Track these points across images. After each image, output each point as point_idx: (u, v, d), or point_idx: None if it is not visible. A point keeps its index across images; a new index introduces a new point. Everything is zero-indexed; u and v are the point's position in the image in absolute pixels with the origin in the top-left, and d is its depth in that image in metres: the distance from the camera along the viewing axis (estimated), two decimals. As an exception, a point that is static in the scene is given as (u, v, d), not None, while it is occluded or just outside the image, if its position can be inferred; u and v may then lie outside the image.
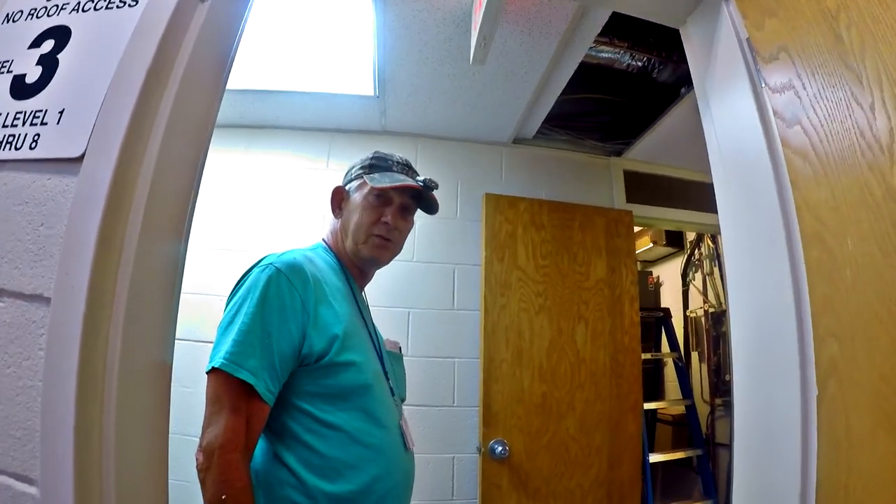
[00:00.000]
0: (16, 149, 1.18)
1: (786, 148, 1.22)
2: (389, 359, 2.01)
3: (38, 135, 1.17)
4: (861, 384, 0.99)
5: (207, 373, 1.56)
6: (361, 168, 2.05)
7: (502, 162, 4.43)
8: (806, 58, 1.16)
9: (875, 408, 0.95)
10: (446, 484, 3.82)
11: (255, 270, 1.69)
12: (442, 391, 3.93)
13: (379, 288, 3.80)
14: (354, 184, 2.03)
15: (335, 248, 2.03)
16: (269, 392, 1.55)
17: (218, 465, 1.43)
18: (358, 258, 1.98)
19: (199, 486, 1.46)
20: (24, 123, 1.20)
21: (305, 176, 4.22)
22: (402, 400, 2.04)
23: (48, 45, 1.27)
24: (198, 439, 1.49)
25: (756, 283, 1.33)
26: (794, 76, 1.20)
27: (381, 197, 1.96)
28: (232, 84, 1.53)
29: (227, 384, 1.51)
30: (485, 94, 3.72)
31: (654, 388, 6.61)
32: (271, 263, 1.68)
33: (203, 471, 1.45)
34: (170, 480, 1.26)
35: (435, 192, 2.05)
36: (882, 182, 0.94)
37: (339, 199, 2.08)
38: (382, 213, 1.95)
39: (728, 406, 5.62)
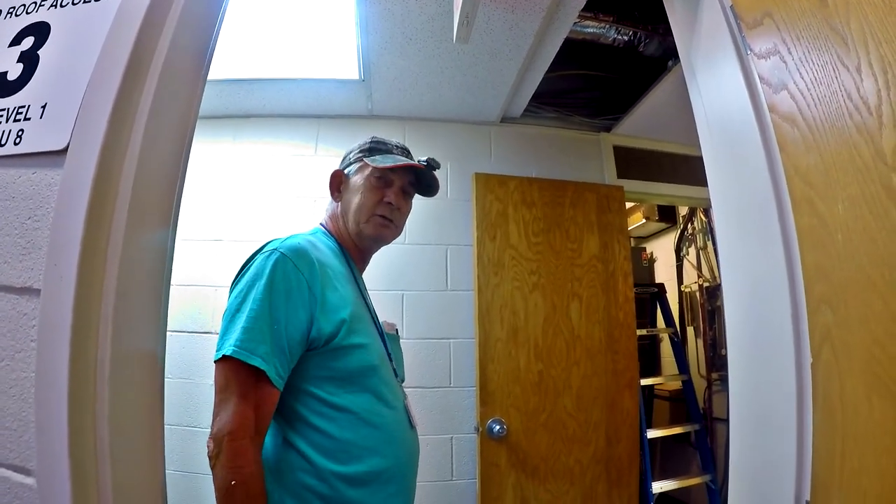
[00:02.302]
0: (0, 145, 1.18)
1: (773, 114, 1.21)
2: (389, 340, 2.02)
3: (22, 130, 1.18)
4: (855, 350, 0.99)
5: (216, 361, 1.55)
6: (361, 151, 2.07)
7: (491, 141, 4.43)
8: (790, 22, 1.16)
9: (869, 373, 0.95)
10: (445, 464, 3.85)
11: (260, 257, 1.69)
12: (438, 372, 3.96)
13: (373, 271, 3.79)
14: (354, 167, 2.06)
15: (335, 232, 2.04)
16: (279, 378, 1.55)
17: (227, 451, 1.43)
18: (360, 238, 2.00)
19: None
20: (7, 120, 1.20)
21: (294, 163, 4.22)
22: (403, 381, 2.06)
23: (28, 42, 1.28)
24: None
25: (747, 252, 1.33)
26: (779, 41, 1.19)
27: (383, 178, 1.99)
28: (217, 74, 1.53)
29: (236, 371, 1.50)
30: (471, 74, 3.71)
31: (650, 364, 6.64)
32: (276, 249, 1.68)
33: (213, 458, 1.44)
34: (172, 471, 1.27)
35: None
36: (871, 144, 0.93)
37: (338, 182, 2.09)
38: (384, 194, 1.98)
39: (725, 380, 5.65)
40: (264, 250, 1.71)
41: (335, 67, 3.69)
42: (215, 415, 1.49)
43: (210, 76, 1.49)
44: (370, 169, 1.98)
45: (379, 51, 3.41)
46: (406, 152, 2.10)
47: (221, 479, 1.42)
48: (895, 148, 0.88)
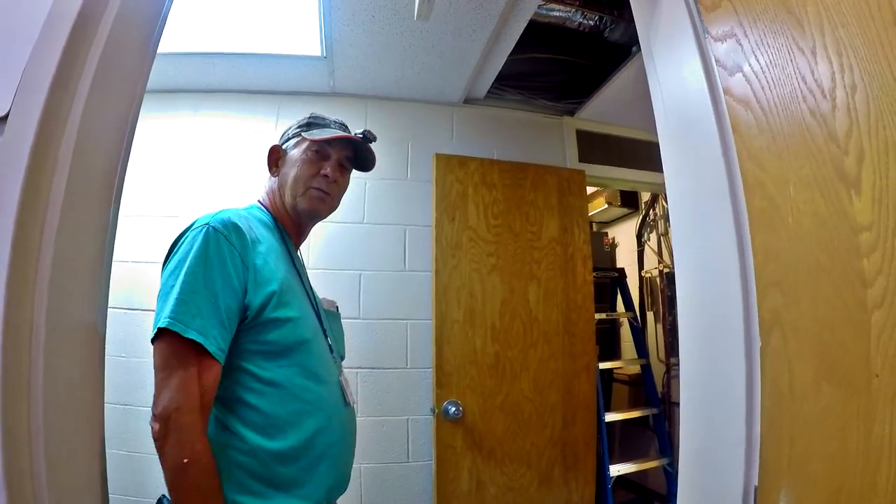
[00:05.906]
0: (-59, 111, 1.14)
1: (728, 96, 1.21)
2: (327, 317, 2.03)
3: (-36, 96, 1.14)
4: (804, 334, 0.99)
5: (153, 341, 1.52)
6: (299, 127, 2.07)
7: (453, 122, 4.42)
8: (748, 5, 1.15)
9: (818, 358, 0.95)
10: (402, 446, 3.85)
11: (191, 232, 1.67)
12: (395, 353, 3.95)
13: (330, 250, 3.80)
14: (292, 142, 2.05)
15: (271, 208, 2.03)
16: (220, 351, 1.53)
17: (175, 429, 1.41)
18: (296, 212, 1.99)
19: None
20: (-52, 86, 1.16)
21: (254, 139, 4.14)
22: (342, 358, 2.07)
23: (-29, 6, 1.23)
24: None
25: (699, 236, 1.33)
26: (736, 24, 1.19)
27: (320, 152, 1.99)
28: (175, 47, 1.49)
29: (174, 347, 1.48)
30: (434, 53, 3.69)
31: (610, 348, 6.70)
32: (207, 223, 1.66)
33: (160, 438, 1.41)
34: (112, 451, 1.24)
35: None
36: (824, 127, 0.93)
37: (275, 157, 2.08)
38: (321, 167, 1.97)
39: (683, 365, 5.71)
40: (195, 226, 1.69)
41: (297, 43, 3.65)
42: (157, 394, 1.46)
43: (168, 49, 1.46)
44: (307, 143, 1.98)
45: (341, 27, 3.37)
46: (345, 128, 2.10)
47: (172, 458, 1.40)
48: (848, 131, 0.88)
